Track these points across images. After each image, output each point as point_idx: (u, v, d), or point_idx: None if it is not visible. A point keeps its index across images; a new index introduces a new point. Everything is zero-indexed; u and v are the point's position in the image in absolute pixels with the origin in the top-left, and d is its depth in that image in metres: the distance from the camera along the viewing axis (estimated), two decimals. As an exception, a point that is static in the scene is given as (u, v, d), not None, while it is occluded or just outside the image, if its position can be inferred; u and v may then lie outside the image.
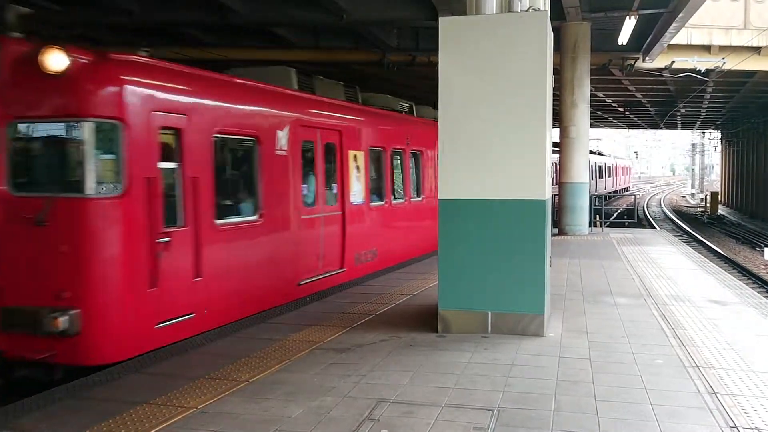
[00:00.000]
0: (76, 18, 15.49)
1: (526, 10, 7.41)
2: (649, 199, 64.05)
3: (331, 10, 15.20)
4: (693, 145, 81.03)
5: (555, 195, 18.19)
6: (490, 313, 7.29)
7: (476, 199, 7.20)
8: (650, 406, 5.21)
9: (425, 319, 7.98)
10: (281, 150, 9.44)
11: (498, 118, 7.13)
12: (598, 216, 21.29)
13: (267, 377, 5.99)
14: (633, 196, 48.20)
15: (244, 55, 18.53)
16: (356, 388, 5.66)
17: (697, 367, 6.19)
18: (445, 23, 7.28)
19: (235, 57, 18.27)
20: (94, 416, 5.10)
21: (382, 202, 13.06)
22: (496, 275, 7.21)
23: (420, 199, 14.86)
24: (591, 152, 22.68)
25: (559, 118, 18.65)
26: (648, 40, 19.79)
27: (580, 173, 18.27)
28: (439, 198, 7.38)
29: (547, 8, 8.16)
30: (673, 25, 17.25)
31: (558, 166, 19.53)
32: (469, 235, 7.26)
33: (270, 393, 5.56)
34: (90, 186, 6.82)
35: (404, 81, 24.24)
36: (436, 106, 18.29)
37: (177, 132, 7.57)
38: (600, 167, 49.96)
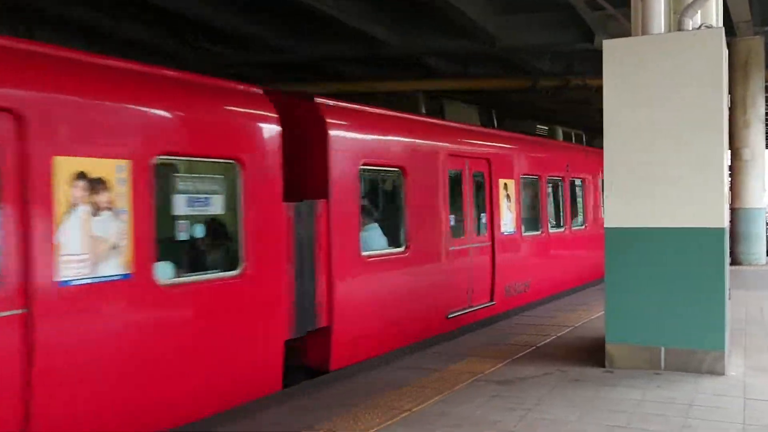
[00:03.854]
0: (234, 59, 16.50)
1: (698, 28, 7.00)
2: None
3: (483, 38, 15.20)
4: None
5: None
6: (663, 349, 6.84)
7: (647, 227, 6.83)
8: None
9: (590, 353, 7.63)
10: None
11: (669, 142, 6.76)
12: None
13: (429, 407, 5.95)
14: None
15: (392, 86, 18.87)
16: (522, 422, 5.48)
17: None
18: (609, 45, 7.03)
19: (383, 89, 18.64)
20: (265, 439, 5.28)
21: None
22: (670, 308, 6.77)
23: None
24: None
25: (729, 139, 17.45)
26: (831, 52, 18.11)
27: (755, 198, 16.97)
28: (605, 227, 7.08)
29: (721, 24, 7.69)
30: None
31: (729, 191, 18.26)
32: (639, 266, 6.88)
33: (433, 424, 5.51)
34: None
35: (549, 106, 23.73)
36: (588, 131, 17.84)
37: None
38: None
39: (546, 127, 14.59)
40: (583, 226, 14.85)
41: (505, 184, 11.37)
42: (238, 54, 16.21)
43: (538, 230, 12.68)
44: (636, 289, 6.91)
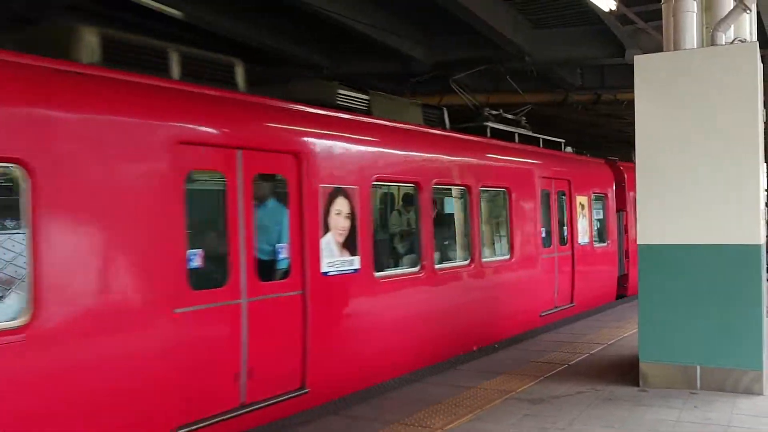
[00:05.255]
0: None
1: (731, 42, 6.93)
2: None
3: (514, 53, 15.19)
4: None
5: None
6: (698, 367, 6.74)
7: (680, 244, 6.76)
8: None
9: (623, 371, 7.54)
10: None
11: (703, 157, 6.70)
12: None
13: (461, 426, 5.93)
14: None
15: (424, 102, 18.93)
16: (555, 442, 5.44)
17: None
18: (640, 61, 7.00)
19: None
20: (298, 456, 5.31)
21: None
22: (706, 326, 6.67)
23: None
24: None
25: (766, 154, 17.13)
26: None
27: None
28: (638, 243, 7.01)
29: (755, 38, 7.61)
30: None
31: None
32: (673, 283, 6.80)
33: (465, 443, 5.49)
34: None
35: (586, 120, 23.62)
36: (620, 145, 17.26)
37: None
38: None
39: None
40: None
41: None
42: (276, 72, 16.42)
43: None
44: (670, 307, 6.83)
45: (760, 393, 6.52)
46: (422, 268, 8.30)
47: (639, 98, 7.00)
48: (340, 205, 7.09)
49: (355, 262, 7.22)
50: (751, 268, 6.54)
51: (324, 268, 6.82)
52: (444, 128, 9.87)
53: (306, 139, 6.80)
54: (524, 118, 13.13)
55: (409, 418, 6.19)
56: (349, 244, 7.17)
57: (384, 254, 8.56)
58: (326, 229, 6.87)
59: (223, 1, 12.07)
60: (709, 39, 6.99)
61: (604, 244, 14.19)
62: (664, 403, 6.39)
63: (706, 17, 7.27)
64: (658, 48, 7.78)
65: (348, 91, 7.99)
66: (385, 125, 8.25)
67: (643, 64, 7.00)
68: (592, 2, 9.42)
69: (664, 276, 6.87)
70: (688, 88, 6.79)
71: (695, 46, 7.02)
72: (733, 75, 6.60)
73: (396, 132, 8.43)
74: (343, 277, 7.06)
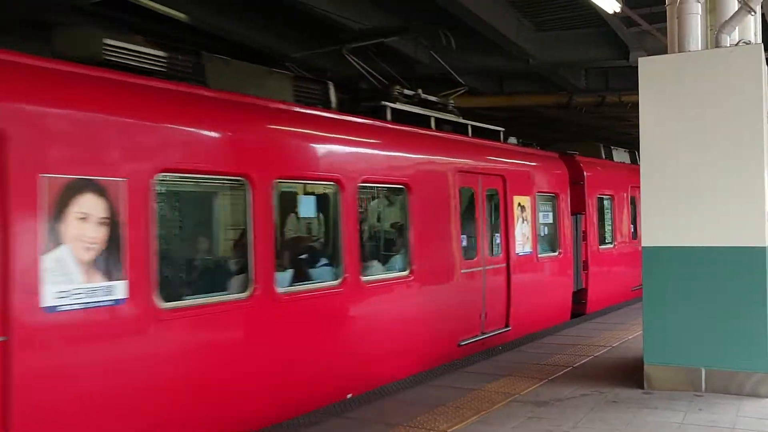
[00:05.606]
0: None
1: (736, 44, 6.92)
2: None
3: (518, 55, 15.20)
4: None
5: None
6: (703, 370, 6.72)
7: (685, 246, 6.74)
8: None
9: (628, 374, 7.52)
10: None
11: (707, 159, 6.69)
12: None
13: (465, 428, 5.92)
14: None
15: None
16: (559, 445, 5.43)
17: None
18: (645, 63, 6.99)
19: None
20: (301, 458, 5.30)
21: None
22: (711, 328, 6.66)
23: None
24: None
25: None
26: None
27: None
28: (642, 245, 7.00)
29: (760, 40, 7.59)
30: None
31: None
32: (678, 285, 6.79)
33: (469, 445, 5.48)
34: None
35: (590, 122, 23.61)
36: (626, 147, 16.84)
37: None
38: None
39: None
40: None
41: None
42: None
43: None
44: (675, 309, 6.81)
45: (765, 395, 6.50)
46: (254, 292, 5.98)
47: (643, 100, 6.99)
48: (88, 205, 4.81)
49: (118, 289, 4.93)
50: (756, 270, 6.52)
51: (48, 301, 4.53)
52: (328, 108, 7.68)
53: (13, 105, 4.51)
54: (452, 102, 10.63)
55: (412, 420, 6.18)
56: (107, 263, 4.89)
57: (185, 276, 6.16)
58: (58, 242, 4.63)
59: (224, 3, 12.12)
60: (714, 41, 6.98)
61: (554, 254, 11.82)
62: (669, 405, 6.37)
63: (711, 19, 7.27)
64: (663, 50, 7.78)
65: (122, 43, 5.67)
66: (184, 93, 5.85)
67: (648, 66, 6.99)
68: (596, 4, 9.42)
69: (669, 278, 6.85)
70: (693, 90, 6.78)
71: (700, 48, 7.00)
72: (737, 77, 6.59)
73: (206, 104, 5.98)
74: (92, 312, 4.78)
